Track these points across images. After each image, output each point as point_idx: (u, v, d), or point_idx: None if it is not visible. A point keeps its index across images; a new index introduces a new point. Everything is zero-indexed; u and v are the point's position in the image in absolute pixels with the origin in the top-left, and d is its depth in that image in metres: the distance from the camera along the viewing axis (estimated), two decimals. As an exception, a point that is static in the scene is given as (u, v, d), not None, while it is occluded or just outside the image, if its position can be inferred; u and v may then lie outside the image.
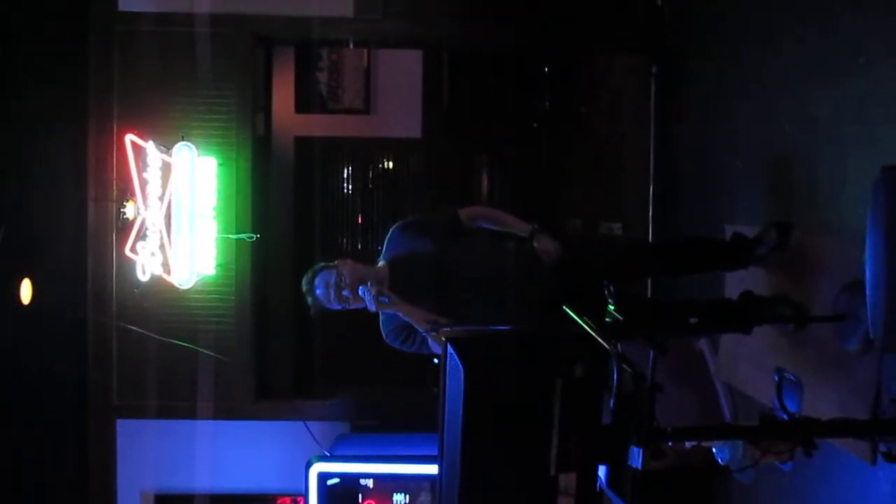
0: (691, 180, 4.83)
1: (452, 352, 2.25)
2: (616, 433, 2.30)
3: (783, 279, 3.62)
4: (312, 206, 7.27)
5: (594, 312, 3.34)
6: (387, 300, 3.17)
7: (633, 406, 2.28)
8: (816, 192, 3.40)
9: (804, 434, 2.36)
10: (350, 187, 7.53)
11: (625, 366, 2.26)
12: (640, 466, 2.25)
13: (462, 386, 2.23)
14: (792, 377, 2.48)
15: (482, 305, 3.27)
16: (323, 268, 3.31)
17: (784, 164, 3.68)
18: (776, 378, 2.52)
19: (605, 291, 2.47)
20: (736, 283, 4.01)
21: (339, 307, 3.26)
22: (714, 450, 2.44)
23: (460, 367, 2.22)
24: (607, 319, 2.48)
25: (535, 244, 3.34)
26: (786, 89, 3.67)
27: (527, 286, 3.32)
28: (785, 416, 2.46)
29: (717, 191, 4.41)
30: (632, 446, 2.27)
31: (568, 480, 2.46)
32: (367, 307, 3.26)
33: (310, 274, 3.33)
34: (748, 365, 3.94)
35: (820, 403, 3.23)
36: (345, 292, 3.20)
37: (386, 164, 7.62)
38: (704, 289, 4.35)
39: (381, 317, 3.36)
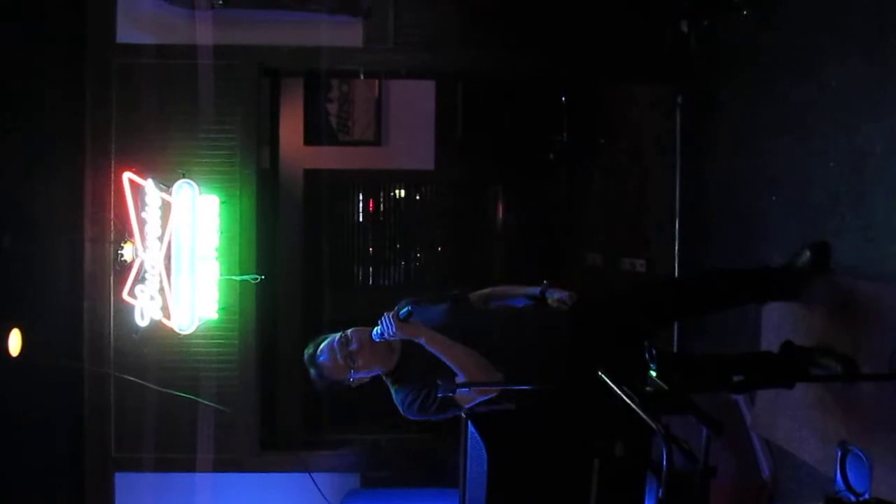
0: (721, 218, 4.54)
1: (474, 431, 1.98)
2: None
3: (826, 328, 3.34)
4: (322, 242, 7.07)
5: (622, 360, 3.09)
6: (408, 308, 2.93)
7: (682, 490, 1.99)
8: (866, 236, 3.11)
9: (875, 519, 2.07)
10: (361, 221, 7.32)
11: (673, 445, 1.98)
12: (690, 562, 1.96)
13: (485, 470, 1.96)
14: (859, 452, 2.19)
15: (504, 364, 2.93)
16: (325, 337, 3.10)
17: (828, 204, 3.39)
18: (839, 453, 2.22)
19: (647, 355, 2.19)
20: (772, 329, 3.74)
21: (345, 377, 3.01)
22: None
23: (483, 449, 1.95)
24: (648, 388, 2.19)
25: (549, 301, 3.16)
26: (830, 121, 3.40)
27: (550, 338, 3.04)
28: (852, 498, 2.17)
29: (750, 230, 4.13)
30: (681, 538, 1.98)
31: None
32: (374, 375, 3.05)
33: (311, 345, 3.12)
34: (789, 420, 3.65)
35: (874, 463, 2.93)
36: (352, 347, 2.97)
37: (398, 196, 7.42)
38: (737, 332, 4.08)
39: (393, 393, 3.09)
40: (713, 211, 4.67)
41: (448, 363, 2.89)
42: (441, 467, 4.72)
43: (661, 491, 1.87)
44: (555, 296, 3.14)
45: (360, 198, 7.36)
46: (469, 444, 1.97)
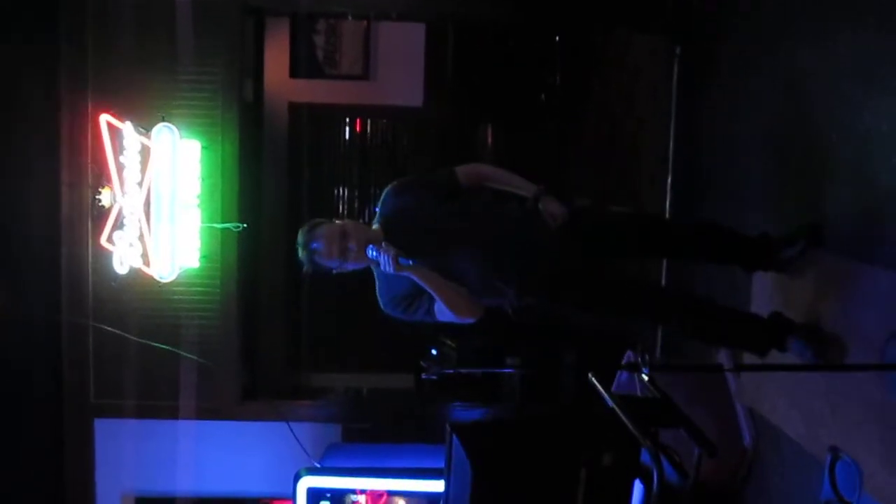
0: (716, 176, 4.44)
1: (458, 445, 1.92)
2: (648, 533, 1.99)
3: (819, 307, 3.27)
4: (306, 179, 6.93)
5: (598, 288, 3.11)
6: (410, 262, 2.91)
7: (671, 502, 1.95)
8: (868, 217, 3.02)
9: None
10: (347, 156, 7.18)
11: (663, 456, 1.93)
12: (676, 577, 1.93)
13: (469, 484, 1.90)
14: (848, 459, 2.15)
15: (481, 268, 3.04)
16: (321, 222, 3.07)
17: (828, 179, 3.29)
18: (829, 458, 2.19)
19: (639, 359, 2.13)
20: (764, 299, 3.68)
21: (334, 265, 3.00)
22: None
23: (467, 462, 1.90)
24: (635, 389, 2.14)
25: (539, 206, 3.06)
26: (835, 91, 3.26)
27: (529, 248, 3.07)
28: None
29: (744, 195, 4.03)
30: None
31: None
32: (359, 269, 3.04)
33: (306, 227, 3.07)
34: (775, 394, 3.62)
35: (858, 450, 2.92)
36: (351, 246, 2.95)
37: (385, 133, 7.26)
38: (726, 297, 4.02)
39: (377, 284, 3.12)
40: (707, 169, 4.56)
41: (436, 298, 2.96)
42: (421, 421, 4.73)
43: (648, 510, 1.83)
44: (548, 206, 3.05)
45: (346, 133, 7.20)
46: (453, 454, 1.91)
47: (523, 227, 3.11)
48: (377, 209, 3.25)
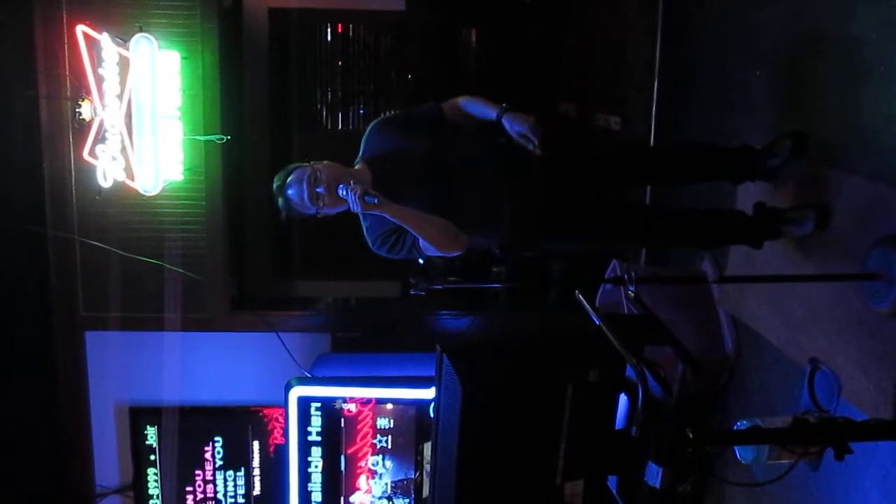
0: (703, 85, 4.41)
1: (448, 366, 1.96)
2: (631, 445, 2.05)
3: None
4: (288, 88, 6.81)
5: (580, 214, 3.13)
6: (374, 201, 2.84)
7: (654, 416, 2.01)
8: (854, 127, 3.02)
9: (837, 437, 2.12)
10: (329, 63, 7.05)
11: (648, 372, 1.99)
12: (658, 486, 2.00)
13: (459, 403, 1.95)
14: (827, 370, 2.21)
15: (474, 201, 3.03)
16: (296, 167, 2.98)
17: (817, 88, 3.28)
18: (808, 369, 2.25)
19: (626, 277, 2.15)
20: (748, 206, 3.71)
21: (312, 211, 2.93)
22: (736, 449, 2.20)
23: (457, 383, 1.94)
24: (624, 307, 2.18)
25: (505, 124, 3.00)
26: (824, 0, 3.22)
27: (517, 181, 3.07)
28: (817, 413, 2.21)
29: (731, 101, 4.02)
30: (650, 463, 2.02)
31: (575, 488, 2.23)
32: (340, 212, 2.96)
33: (282, 174, 3.01)
34: (756, 300, 3.69)
35: (837, 356, 3.00)
36: (319, 189, 2.87)
37: (367, 37, 7.11)
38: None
39: (364, 223, 3.08)
40: (695, 77, 4.52)
41: (414, 234, 2.94)
42: (410, 329, 4.79)
43: (634, 429, 1.89)
44: (515, 128, 2.99)
45: (328, 38, 7.06)
46: (443, 378, 1.96)
47: (511, 159, 3.07)
48: (360, 146, 3.12)
